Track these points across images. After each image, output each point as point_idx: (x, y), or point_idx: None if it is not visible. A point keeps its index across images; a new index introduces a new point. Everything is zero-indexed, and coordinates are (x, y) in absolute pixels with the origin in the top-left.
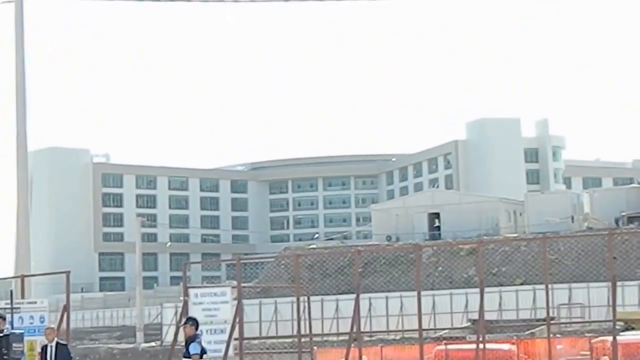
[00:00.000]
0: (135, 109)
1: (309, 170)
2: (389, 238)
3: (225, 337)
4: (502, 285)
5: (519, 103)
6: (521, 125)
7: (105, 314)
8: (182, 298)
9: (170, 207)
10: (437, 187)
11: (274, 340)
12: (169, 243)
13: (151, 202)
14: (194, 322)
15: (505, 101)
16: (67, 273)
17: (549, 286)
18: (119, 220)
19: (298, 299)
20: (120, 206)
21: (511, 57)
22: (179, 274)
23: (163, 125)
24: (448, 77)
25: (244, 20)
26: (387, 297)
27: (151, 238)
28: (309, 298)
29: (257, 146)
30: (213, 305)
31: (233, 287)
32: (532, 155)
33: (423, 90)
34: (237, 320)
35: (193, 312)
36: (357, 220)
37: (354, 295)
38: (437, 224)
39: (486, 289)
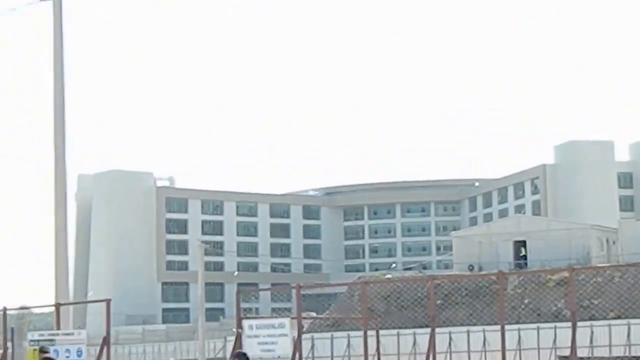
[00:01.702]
0: (201, 131)
1: (386, 195)
2: (471, 267)
3: None
4: (593, 319)
5: (611, 125)
6: (614, 148)
7: (167, 347)
8: (234, 330)
9: (238, 234)
10: (524, 213)
11: None
12: (236, 272)
13: (218, 228)
14: (243, 358)
15: (596, 123)
16: (108, 301)
17: None
18: (183, 247)
19: (365, 333)
20: (185, 233)
21: (603, 77)
22: (248, 305)
23: (230, 148)
24: (534, 97)
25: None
26: (468, 331)
27: (217, 267)
28: (377, 332)
29: (331, 170)
30: (270, 339)
31: (293, 319)
32: (626, 179)
33: (508, 112)
34: (297, 355)
35: (247, 346)
36: (438, 249)
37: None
38: (523, 252)
39: (577, 324)
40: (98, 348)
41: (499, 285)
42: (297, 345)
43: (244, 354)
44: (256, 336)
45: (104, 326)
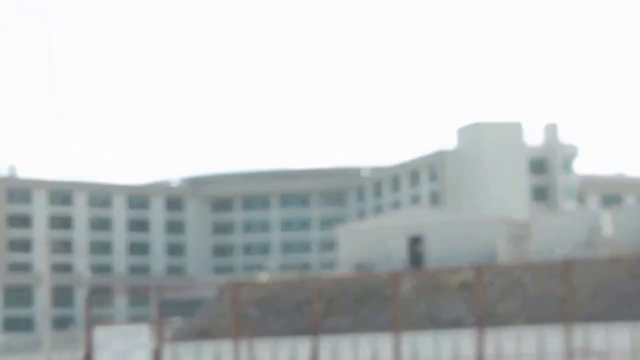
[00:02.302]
0: (46, 114)
1: (261, 185)
2: (359, 267)
3: None
4: (499, 325)
5: (522, 108)
6: (524, 132)
7: None
8: (83, 340)
9: (90, 229)
10: (420, 205)
11: None
12: (88, 274)
13: (67, 223)
14: None
15: (505, 106)
16: None
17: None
18: (27, 245)
19: (236, 342)
20: (29, 227)
21: (512, 58)
22: (102, 311)
23: (80, 133)
24: (438, 79)
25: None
26: (356, 341)
27: (66, 268)
28: (251, 341)
29: (197, 157)
30: (126, 349)
31: (153, 326)
32: (538, 166)
33: (405, 93)
34: None
35: (100, 358)
36: (321, 246)
37: (315, 338)
38: (419, 250)
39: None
40: None
41: (393, 289)
42: (157, 356)
43: None
44: (110, 347)
45: None
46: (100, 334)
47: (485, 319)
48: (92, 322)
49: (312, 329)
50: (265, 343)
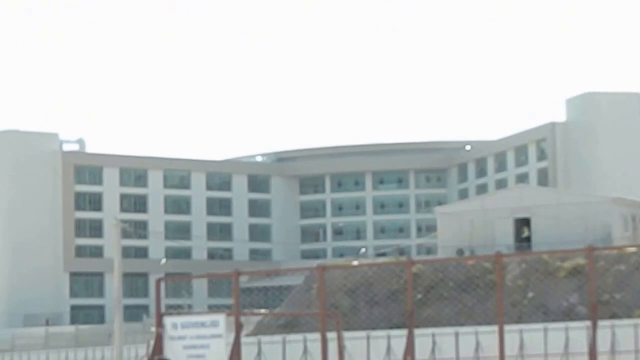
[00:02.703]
0: (118, 84)
1: (354, 162)
2: (460, 252)
3: None
4: (615, 317)
5: (635, 76)
6: None
7: (77, 354)
8: (153, 330)
9: (166, 212)
10: (528, 183)
11: None
12: (164, 259)
13: (140, 204)
14: None
15: (620, 75)
16: None
17: None
18: (97, 228)
19: (324, 335)
20: (99, 209)
21: (625, 23)
22: (178, 301)
23: (155, 105)
24: (540, 46)
25: None
26: (457, 333)
27: (140, 253)
28: (339, 333)
29: (284, 131)
30: (199, 341)
31: (229, 315)
32: None
33: (507, 62)
34: None
35: (170, 350)
36: (418, 229)
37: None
38: (526, 233)
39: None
40: None
41: (496, 273)
42: (234, 349)
43: None
44: (181, 337)
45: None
46: (171, 323)
47: (599, 309)
48: (163, 311)
49: (407, 319)
50: (357, 335)
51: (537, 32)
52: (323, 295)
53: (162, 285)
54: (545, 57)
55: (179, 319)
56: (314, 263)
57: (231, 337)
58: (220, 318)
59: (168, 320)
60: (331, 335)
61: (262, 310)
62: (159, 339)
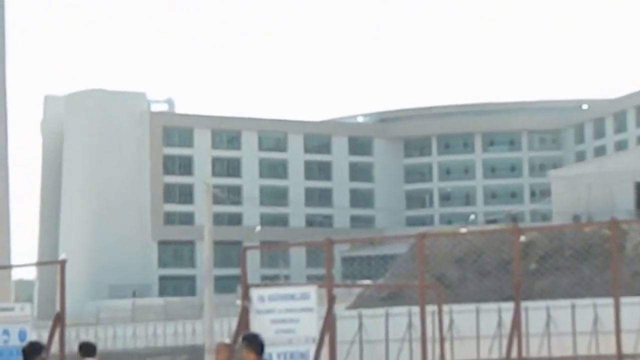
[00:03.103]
0: (209, 40)
1: (462, 123)
2: (576, 218)
3: None
4: None
5: None
6: None
7: (167, 328)
8: (239, 302)
9: (261, 176)
10: None
11: None
12: (259, 227)
13: (234, 168)
14: (255, 344)
15: None
16: (62, 263)
17: None
18: (187, 193)
19: (422, 308)
20: (190, 174)
21: None
22: (274, 271)
23: (249, 62)
24: None
25: None
26: (573, 306)
27: (234, 220)
28: (440, 305)
29: (388, 90)
30: (289, 315)
31: (321, 287)
32: None
33: (626, 12)
34: (328, 338)
35: (257, 325)
36: (532, 194)
37: (525, 303)
38: None
39: None
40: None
41: (612, 241)
42: (325, 323)
43: (256, 337)
44: (269, 311)
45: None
46: (258, 296)
47: None
48: (252, 282)
49: (514, 291)
50: (466, 308)
51: None
52: (422, 265)
53: (258, 255)
54: None
55: (266, 291)
56: (420, 230)
57: (324, 311)
58: (312, 290)
59: (255, 293)
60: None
61: (362, 282)
62: (245, 313)
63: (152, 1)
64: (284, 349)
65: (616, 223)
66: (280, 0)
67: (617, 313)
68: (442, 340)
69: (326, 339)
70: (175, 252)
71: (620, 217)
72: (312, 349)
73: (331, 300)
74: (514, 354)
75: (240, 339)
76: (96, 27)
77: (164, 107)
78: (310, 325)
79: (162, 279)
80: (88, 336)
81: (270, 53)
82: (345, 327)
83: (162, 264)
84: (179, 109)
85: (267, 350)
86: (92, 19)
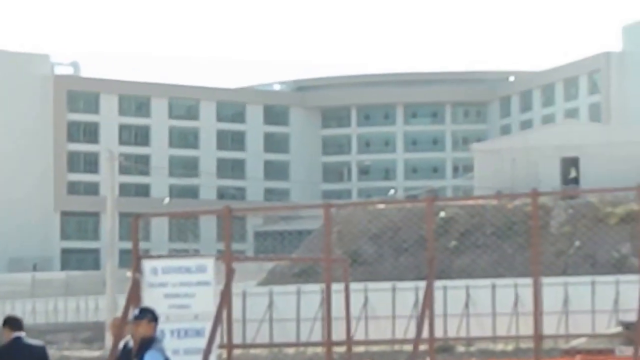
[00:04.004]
0: (116, 3)
1: (384, 93)
2: (499, 194)
3: (204, 343)
4: None
5: None
6: None
7: (68, 303)
8: (129, 275)
9: (171, 145)
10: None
11: (299, 349)
12: (167, 198)
13: (142, 136)
14: (146, 318)
15: None
16: None
17: None
18: (92, 162)
19: (328, 286)
20: (95, 142)
21: None
22: (182, 246)
23: (159, 25)
24: None
25: None
26: (494, 285)
27: (141, 191)
28: (347, 283)
29: (305, 57)
30: (184, 289)
31: (219, 259)
32: None
33: None
34: (226, 314)
35: (149, 299)
36: (455, 169)
37: (444, 282)
38: (573, 174)
39: None
40: None
41: (532, 214)
42: (223, 299)
43: (150, 312)
44: (162, 284)
45: None
46: (150, 268)
47: None
48: (139, 253)
49: (427, 267)
50: (382, 286)
51: None
52: (329, 238)
53: (166, 227)
54: None
55: (159, 263)
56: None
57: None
58: (209, 262)
59: (147, 264)
60: (353, 286)
61: (266, 256)
62: (136, 286)
63: None
64: (178, 325)
65: (537, 195)
66: None
67: (537, 292)
68: (348, 319)
69: (224, 316)
70: (79, 223)
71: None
72: (209, 326)
73: (230, 274)
74: (425, 334)
75: (130, 315)
76: None
77: (68, 71)
78: (206, 300)
79: (64, 251)
80: None
81: (182, 16)
82: (256, 304)
83: (64, 236)
84: (84, 73)
85: (160, 326)
86: None
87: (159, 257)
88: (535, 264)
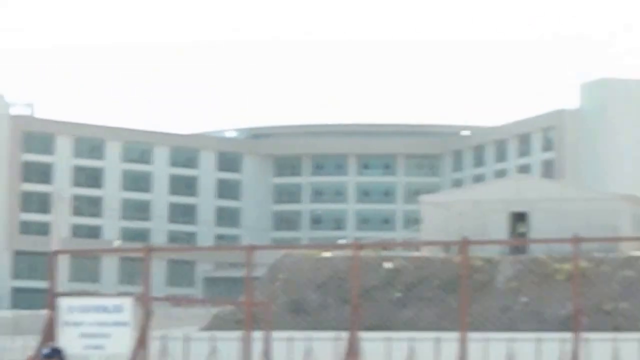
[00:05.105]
0: (73, 46)
1: (337, 143)
2: (447, 248)
3: None
4: (619, 329)
5: None
6: None
7: (15, 342)
8: (44, 312)
9: (124, 188)
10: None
11: None
12: (118, 241)
13: (96, 178)
14: (57, 357)
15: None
16: None
17: None
18: (46, 202)
19: (249, 331)
20: (49, 182)
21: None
22: (133, 288)
23: (116, 70)
24: (549, 25)
25: None
26: (438, 339)
27: (93, 232)
28: (268, 333)
29: (259, 105)
30: (100, 329)
31: (138, 298)
32: None
33: (513, 42)
34: (143, 355)
35: (64, 338)
36: (406, 221)
37: (387, 334)
38: (522, 229)
39: (596, 334)
40: None
41: (462, 263)
42: (139, 340)
43: (59, 351)
44: (78, 324)
45: None
46: (67, 306)
47: (599, 319)
48: (55, 290)
49: (351, 314)
50: (325, 335)
51: (550, 12)
52: (251, 284)
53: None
54: (557, 39)
55: (77, 302)
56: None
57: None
58: (127, 303)
59: (64, 302)
60: (297, 335)
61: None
62: (51, 324)
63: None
64: None
65: (467, 243)
66: (145, 6)
67: (464, 349)
68: None
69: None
70: (32, 262)
71: (493, 247)
72: None
73: (148, 315)
74: None
75: (43, 351)
76: None
77: (24, 111)
78: (122, 341)
79: (15, 291)
80: None
81: (136, 61)
82: (199, 349)
83: (16, 274)
84: (39, 114)
85: None
86: None
87: (76, 294)
88: (463, 315)
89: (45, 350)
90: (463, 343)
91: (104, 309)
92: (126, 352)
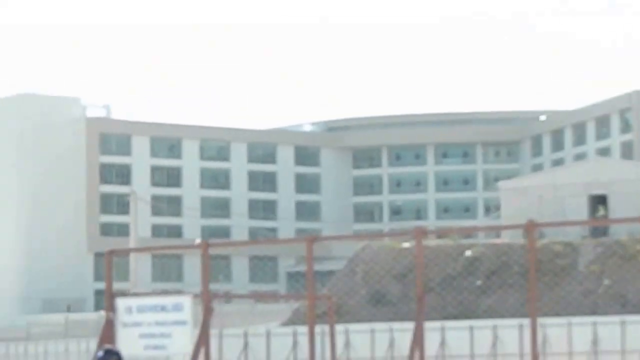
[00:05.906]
0: (149, 45)
1: (414, 133)
2: (525, 233)
3: None
4: None
5: None
6: None
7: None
8: (103, 313)
9: (202, 186)
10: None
11: None
12: (199, 239)
13: (174, 177)
14: (114, 359)
15: None
16: None
17: None
18: (125, 204)
19: (311, 326)
20: (127, 183)
21: None
22: (218, 286)
23: (191, 68)
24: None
25: None
26: (521, 326)
27: (173, 232)
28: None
29: (337, 98)
30: (159, 329)
31: (196, 297)
32: None
33: (587, 23)
34: (204, 355)
35: (123, 339)
36: (486, 208)
37: (470, 322)
38: (601, 212)
39: None
40: None
41: (529, 247)
42: (200, 339)
43: (115, 353)
44: (137, 324)
45: (17, 315)
46: (125, 307)
47: None
48: (112, 290)
49: (417, 304)
50: (406, 326)
51: None
52: (311, 273)
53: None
54: (634, 19)
55: (134, 302)
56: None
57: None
58: (186, 300)
59: (121, 303)
60: (378, 326)
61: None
62: (110, 326)
63: (84, 3)
64: None
65: (533, 226)
66: (222, 4)
67: (534, 332)
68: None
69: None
70: (113, 264)
71: (573, 231)
72: None
73: (208, 312)
74: None
75: (100, 353)
76: (28, 30)
77: (100, 113)
78: (183, 341)
79: (98, 292)
80: (17, 352)
81: (213, 58)
82: (281, 344)
83: (98, 277)
84: (116, 115)
85: None
86: (23, 21)
87: (136, 295)
88: (532, 300)
89: (100, 353)
90: (533, 329)
91: (163, 308)
92: (187, 351)
